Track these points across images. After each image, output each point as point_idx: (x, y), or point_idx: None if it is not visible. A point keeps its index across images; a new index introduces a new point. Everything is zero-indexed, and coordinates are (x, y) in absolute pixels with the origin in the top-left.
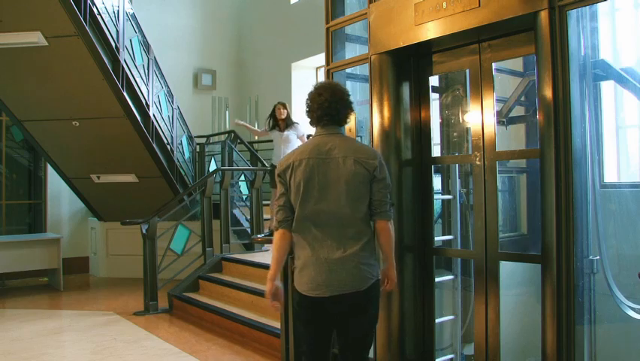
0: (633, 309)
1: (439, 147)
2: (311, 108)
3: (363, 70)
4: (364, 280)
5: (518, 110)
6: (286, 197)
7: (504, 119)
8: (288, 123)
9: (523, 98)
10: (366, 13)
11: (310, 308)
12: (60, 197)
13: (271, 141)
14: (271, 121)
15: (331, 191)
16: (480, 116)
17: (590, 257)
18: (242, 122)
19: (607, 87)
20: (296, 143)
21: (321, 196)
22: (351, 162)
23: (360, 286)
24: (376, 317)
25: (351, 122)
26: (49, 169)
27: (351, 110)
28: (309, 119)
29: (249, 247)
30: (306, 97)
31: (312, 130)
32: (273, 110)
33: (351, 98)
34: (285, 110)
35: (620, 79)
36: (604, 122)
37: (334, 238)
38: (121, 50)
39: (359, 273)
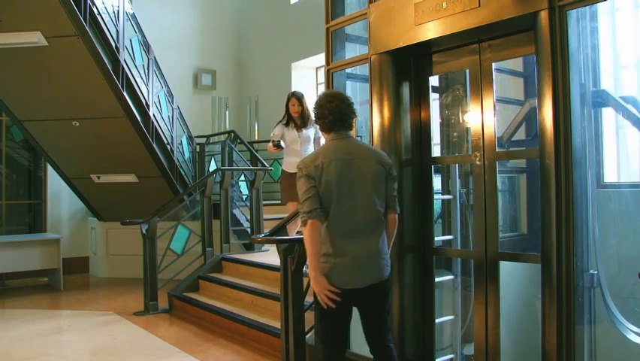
0: (633, 331)
1: (439, 147)
2: (322, 115)
3: (363, 70)
4: (387, 268)
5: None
6: (315, 189)
7: (505, 144)
8: (306, 120)
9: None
10: (366, 13)
11: (344, 300)
12: (60, 197)
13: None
14: (286, 119)
15: (359, 189)
16: (480, 116)
17: (591, 271)
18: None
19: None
20: (311, 147)
21: (351, 195)
22: (373, 162)
23: (386, 275)
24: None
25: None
26: (49, 169)
27: (356, 115)
28: (319, 126)
29: (249, 247)
30: (314, 105)
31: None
32: (287, 105)
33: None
34: (301, 106)
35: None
36: (604, 122)
37: (363, 233)
38: (121, 50)
39: (384, 263)
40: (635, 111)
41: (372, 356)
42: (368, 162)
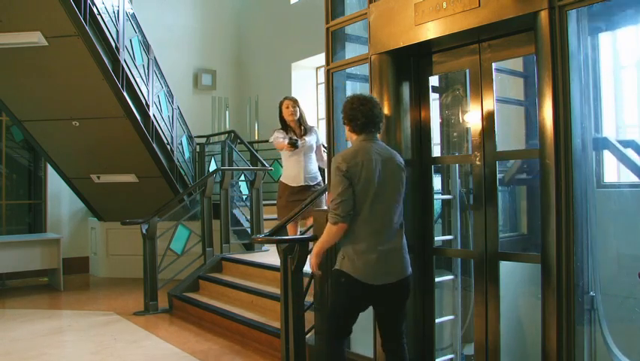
0: None
1: (439, 147)
2: (354, 117)
3: (363, 70)
4: (409, 266)
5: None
6: (351, 190)
7: (506, 184)
8: (305, 127)
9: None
10: (366, 13)
11: (369, 295)
12: (60, 197)
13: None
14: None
15: (389, 190)
16: (480, 116)
17: (591, 293)
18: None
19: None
20: (314, 156)
21: (383, 194)
22: (396, 164)
23: (410, 271)
24: None
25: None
26: (49, 169)
27: (383, 120)
28: (348, 127)
29: (249, 247)
30: (346, 105)
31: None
32: (280, 112)
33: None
34: (296, 108)
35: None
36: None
37: (390, 231)
38: (121, 50)
39: (406, 261)
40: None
41: (372, 356)
42: (394, 164)
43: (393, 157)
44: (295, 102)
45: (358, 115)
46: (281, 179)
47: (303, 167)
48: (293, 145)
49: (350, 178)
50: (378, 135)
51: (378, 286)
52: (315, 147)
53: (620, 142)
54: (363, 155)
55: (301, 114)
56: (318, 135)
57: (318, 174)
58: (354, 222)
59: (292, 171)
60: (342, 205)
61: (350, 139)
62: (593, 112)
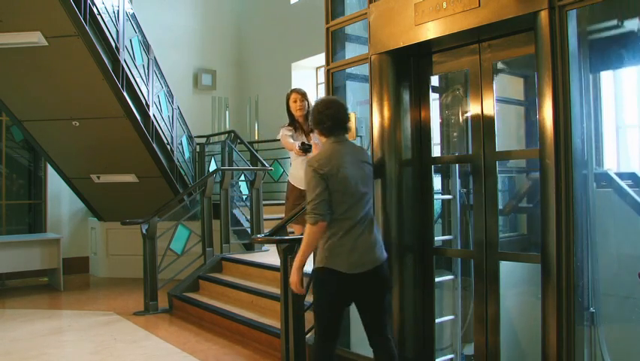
0: None
1: (439, 147)
2: (321, 121)
3: (363, 70)
4: (384, 253)
5: (517, 113)
6: (328, 191)
7: (507, 215)
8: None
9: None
10: (366, 13)
11: (344, 285)
12: (60, 197)
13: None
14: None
15: (360, 186)
16: (480, 117)
17: (591, 309)
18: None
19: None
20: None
21: (356, 193)
22: (364, 161)
23: (383, 258)
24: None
25: (351, 123)
26: (49, 169)
27: (350, 119)
28: (317, 131)
29: (249, 247)
30: (313, 110)
31: None
32: (288, 105)
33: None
34: (305, 101)
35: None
36: (603, 121)
37: (363, 225)
38: (121, 50)
39: (381, 249)
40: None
41: (372, 356)
42: (362, 161)
43: (361, 155)
44: (304, 95)
45: (324, 118)
46: (289, 179)
47: (301, 167)
48: (305, 151)
49: (326, 180)
50: (347, 135)
51: (354, 275)
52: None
53: (619, 175)
54: (337, 157)
55: (310, 108)
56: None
57: None
58: (334, 220)
59: (300, 172)
60: (320, 205)
61: (321, 142)
62: (595, 146)
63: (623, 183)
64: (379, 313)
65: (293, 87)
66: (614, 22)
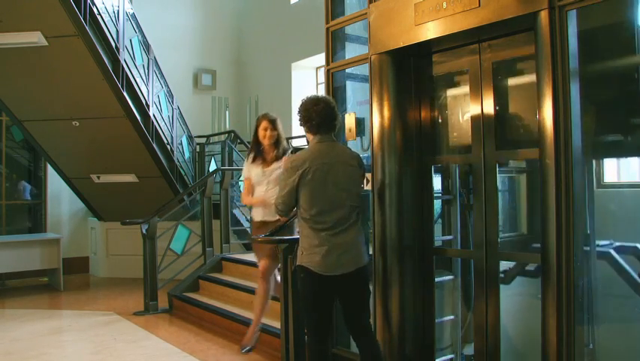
0: None
1: (439, 147)
2: (309, 118)
3: (363, 70)
4: (364, 257)
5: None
6: (294, 192)
7: (508, 283)
8: (280, 151)
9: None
10: (366, 13)
11: (324, 286)
12: (60, 197)
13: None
14: (253, 153)
15: (339, 189)
16: (480, 117)
17: (590, 346)
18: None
19: None
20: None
21: (332, 194)
22: (348, 164)
23: (363, 262)
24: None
25: (351, 123)
26: (49, 169)
27: (338, 119)
28: (305, 128)
29: (249, 247)
30: (300, 107)
31: None
32: (256, 131)
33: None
34: (275, 131)
35: None
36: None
37: (341, 227)
38: (121, 50)
39: (361, 252)
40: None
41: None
42: (346, 164)
43: (347, 156)
44: (274, 123)
45: (312, 115)
46: (251, 214)
47: (264, 199)
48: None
49: (298, 179)
50: (333, 135)
51: (333, 277)
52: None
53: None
54: (313, 159)
55: (279, 136)
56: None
57: None
58: (307, 221)
59: (259, 208)
60: (282, 204)
61: (309, 140)
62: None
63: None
64: (360, 312)
65: (263, 112)
66: None
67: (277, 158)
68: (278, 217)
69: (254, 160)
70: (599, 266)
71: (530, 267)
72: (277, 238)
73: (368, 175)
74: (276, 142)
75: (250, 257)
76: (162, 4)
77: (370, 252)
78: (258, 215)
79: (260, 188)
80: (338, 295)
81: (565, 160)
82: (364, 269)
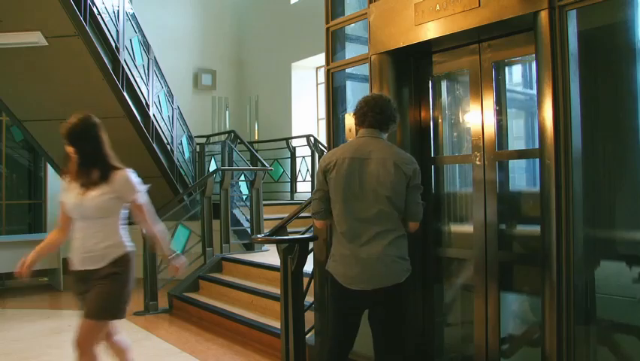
0: None
1: (439, 147)
2: (357, 107)
3: (363, 70)
4: (394, 276)
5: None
6: (323, 190)
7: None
8: (104, 173)
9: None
10: (366, 13)
11: (343, 297)
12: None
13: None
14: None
15: (370, 190)
16: (480, 116)
17: None
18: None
19: None
20: (117, 226)
21: (361, 195)
22: (390, 164)
23: (390, 282)
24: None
25: (351, 123)
26: (49, 169)
27: (393, 121)
28: (355, 121)
29: (249, 247)
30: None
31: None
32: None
33: (395, 112)
34: (79, 146)
35: None
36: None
37: (369, 234)
38: (121, 50)
39: (389, 269)
40: None
41: (372, 355)
42: (385, 163)
43: (391, 157)
44: (72, 136)
45: (361, 104)
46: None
47: (81, 240)
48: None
49: (323, 179)
50: (383, 134)
51: (355, 291)
52: (107, 207)
53: None
54: (342, 153)
55: (93, 150)
56: (128, 186)
57: (115, 249)
58: (334, 225)
59: (74, 244)
60: (313, 204)
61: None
62: None
63: None
64: (383, 335)
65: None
66: None
67: (91, 183)
68: (103, 265)
69: (70, 181)
70: None
71: None
72: (277, 238)
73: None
74: (87, 159)
75: (250, 257)
76: (162, 5)
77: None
78: (75, 260)
79: (79, 223)
80: (360, 309)
81: (565, 160)
82: (388, 290)
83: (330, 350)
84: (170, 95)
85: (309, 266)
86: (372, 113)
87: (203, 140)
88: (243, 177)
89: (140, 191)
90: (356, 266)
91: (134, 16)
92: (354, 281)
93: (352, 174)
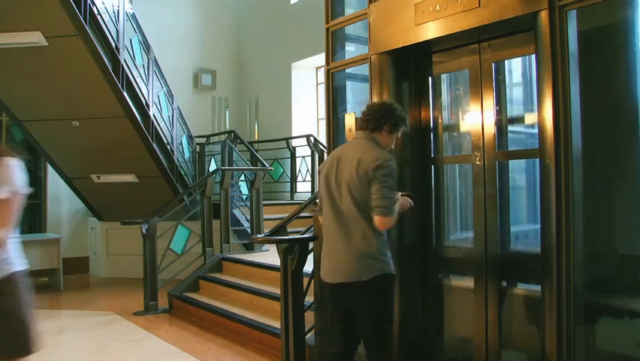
0: None
1: (439, 146)
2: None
3: (363, 70)
4: (361, 272)
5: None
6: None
7: None
8: None
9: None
10: (366, 13)
11: (328, 292)
12: (60, 197)
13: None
14: None
15: (343, 189)
16: (480, 116)
17: None
18: None
19: None
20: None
21: (338, 194)
22: (355, 162)
23: (358, 278)
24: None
25: (351, 123)
26: (49, 169)
27: (386, 120)
28: None
29: (249, 247)
30: None
31: None
32: None
33: (399, 112)
34: None
35: None
36: None
37: (341, 232)
38: (121, 50)
39: (359, 266)
40: None
41: None
42: (352, 162)
43: (360, 156)
44: None
45: (363, 109)
46: None
47: None
48: None
49: (319, 175)
50: (374, 134)
51: (328, 284)
52: None
53: None
54: (332, 154)
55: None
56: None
57: None
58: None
59: None
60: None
61: None
62: None
63: None
64: (350, 334)
65: None
66: None
67: None
68: None
69: None
70: None
71: None
72: (277, 238)
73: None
74: None
75: (250, 257)
76: (162, 4)
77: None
78: None
79: None
80: (336, 303)
81: (565, 160)
82: (356, 285)
83: (332, 347)
84: (170, 95)
85: (309, 266)
86: (361, 117)
87: (203, 140)
88: (242, 177)
89: (13, 185)
90: (329, 260)
91: (134, 16)
92: (324, 274)
93: (330, 174)
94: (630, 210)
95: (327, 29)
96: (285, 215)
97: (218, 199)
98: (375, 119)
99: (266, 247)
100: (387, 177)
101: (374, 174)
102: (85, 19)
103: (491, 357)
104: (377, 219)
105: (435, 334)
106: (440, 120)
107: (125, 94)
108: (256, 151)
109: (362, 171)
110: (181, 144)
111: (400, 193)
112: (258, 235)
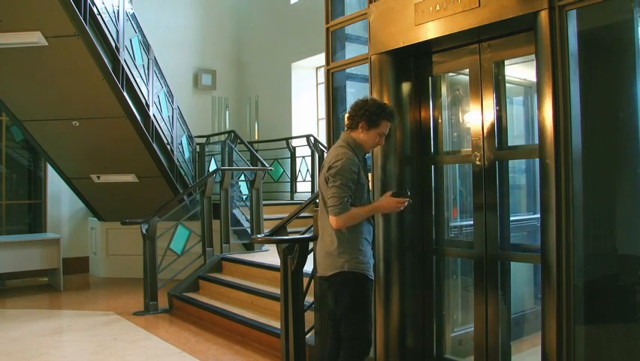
0: None
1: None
2: None
3: (363, 70)
4: (333, 267)
5: (517, 111)
6: None
7: None
8: None
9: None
10: (366, 13)
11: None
12: (60, 197)
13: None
14: None
15: (321, 190)
16: (480, 116)
17: None
18: None
19: None
20: None
21: (321, 195)
22: (327, 163)
23: (330, 272)
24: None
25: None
26: (49, 169)
27: (360, 117)
28: None
29: (249, 247)
30: None
31: None
32: None
33: (372, 107)
34: None
35: None
36: None
37: (323, 229)
38: (121, 50)
39: (330, 262)
40: None
41: (371, 356)
42: (325, 164)
43: (327, 157)
44: None
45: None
46: None
47: None
48: None
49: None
50: (350, 133)
51: (321, 278)
52: None
53: None
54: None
55: None
56: None
57: None
58: None
59: None
60: None
61: None
62: None
63: None
64: (337, 322)
65: None
66: None
67: None
68: None
69: None
70: None
71: None
72: (277, 238)
73: (370, 175)
74: None
75: (250, 257)
76: (162, 5)
77: (363, 260)
78: None
79: None
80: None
81: (565, 160)
82: (331, 279)
83: (329, 341)
84: (170, 95)
85: (309, 266)
86: (345, 121)
87: (203, 140)
88: (242, 177)
89: None
90: (318, 256)
91: (134, 16)
92: (319, 268)
93: (320, 175)
94: (630, 210)
95: (327, 29)
96: (285, 215)
97: (218, 199)
98: (351, 118)
99: (266, 247)
100: (337, 177)
101: (327, 174)
102: (85, 19)
103: (491, 357)
104: (330, 219)
105: (435, 334)
106: (440, 120)
107: (125, 94)
108: (256, 151)
109: (325, 171)
110: (181, 143)
111: (389, 193)
112: (258, 235)
